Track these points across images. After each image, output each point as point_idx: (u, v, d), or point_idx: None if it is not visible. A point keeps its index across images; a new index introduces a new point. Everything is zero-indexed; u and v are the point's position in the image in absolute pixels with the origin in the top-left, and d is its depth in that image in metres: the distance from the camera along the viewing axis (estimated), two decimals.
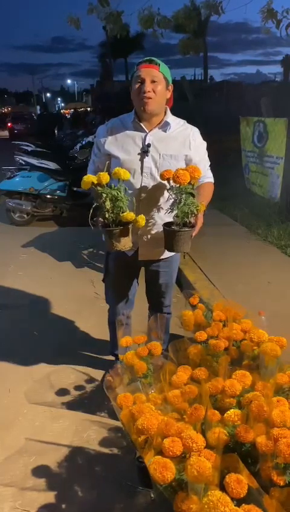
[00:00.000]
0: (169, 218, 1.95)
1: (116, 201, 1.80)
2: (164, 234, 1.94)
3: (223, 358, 1.64)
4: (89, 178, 1.82)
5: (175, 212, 1.85)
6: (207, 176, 2.14)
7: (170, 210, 1.90)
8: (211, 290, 3.52)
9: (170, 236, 1.90)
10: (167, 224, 1.94)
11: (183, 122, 2.07)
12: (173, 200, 1.87)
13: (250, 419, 1.32)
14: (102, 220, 1.86)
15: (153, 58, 1.93)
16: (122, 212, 1.81)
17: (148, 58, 1.94)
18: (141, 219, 1.85)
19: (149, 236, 2.10)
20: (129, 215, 1.81)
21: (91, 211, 1.88)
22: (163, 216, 2.03)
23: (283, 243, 4.64)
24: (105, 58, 36.43)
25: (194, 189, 1.86)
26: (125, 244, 1.87)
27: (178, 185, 1.82)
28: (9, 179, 6.07)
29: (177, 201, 1.83)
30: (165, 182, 1.90)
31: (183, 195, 1.82)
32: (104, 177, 1.80)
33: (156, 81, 1.89)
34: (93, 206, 1.87)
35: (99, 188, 1.81)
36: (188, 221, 1.86)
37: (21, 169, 6.18)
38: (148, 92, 1.88)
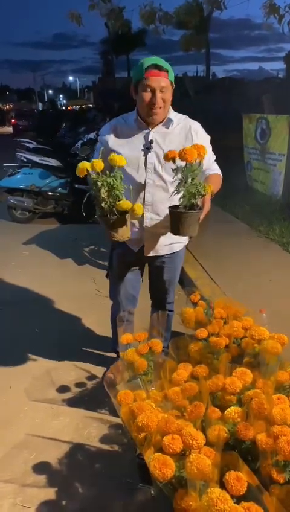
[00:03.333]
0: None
1: (111, 189, 1.70)
2: (170, 217, 1.82)
3: (224, 356, 1.64)
4: (84, 165, 1.72)
5: (181, 193, 1.75)
6: (213, 169, 2.10)
7: (175, 191, 1.77)
8: (212, 288, 3.52)
9: (176, 218, 1.77)
10: (173, 207, 1.81)
11: (185, 117, 2.05)
12: (178, 181, 1.74)
13: (250, 417, 1.31)
14: (99, 209, 1.78)
15: (159, 62, 1.85)
16: (118, 201, 1.72)
17: (155, 62, 1.85)
18: (138, 207, 1.77)
19: (154, 231, 2.09)
20: (125, 203, 1.71)
21: (85, 199, 1.80)
22: (167, 211, 2.01)
23: (285, 240, 4.63)
24: (107, 55, 36.34)
25: (200, 168, 1.75)
26: (123, 234, 1.79)
27: (185, 163, 1.70)
28: (11, 176, 6.08)
29: (184, 181, 1.72)
30: (170, 163, 1.79)
31: (190, 174, 1.70)
32: (98, 164, 1.70)
33: (164, 91, 1.87)
34: (87, 194, 1.78)
35: (94, 176, 1.71)
36: (195, 202, 1.73)
37: (23, 167, 6.18)
38: (160, 103, 1.86)
